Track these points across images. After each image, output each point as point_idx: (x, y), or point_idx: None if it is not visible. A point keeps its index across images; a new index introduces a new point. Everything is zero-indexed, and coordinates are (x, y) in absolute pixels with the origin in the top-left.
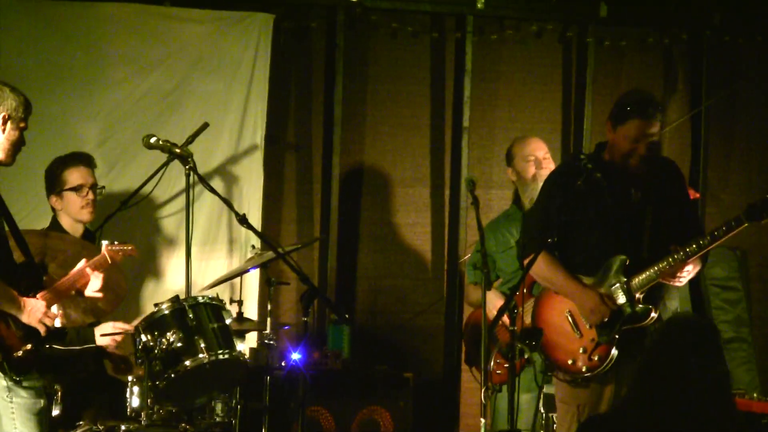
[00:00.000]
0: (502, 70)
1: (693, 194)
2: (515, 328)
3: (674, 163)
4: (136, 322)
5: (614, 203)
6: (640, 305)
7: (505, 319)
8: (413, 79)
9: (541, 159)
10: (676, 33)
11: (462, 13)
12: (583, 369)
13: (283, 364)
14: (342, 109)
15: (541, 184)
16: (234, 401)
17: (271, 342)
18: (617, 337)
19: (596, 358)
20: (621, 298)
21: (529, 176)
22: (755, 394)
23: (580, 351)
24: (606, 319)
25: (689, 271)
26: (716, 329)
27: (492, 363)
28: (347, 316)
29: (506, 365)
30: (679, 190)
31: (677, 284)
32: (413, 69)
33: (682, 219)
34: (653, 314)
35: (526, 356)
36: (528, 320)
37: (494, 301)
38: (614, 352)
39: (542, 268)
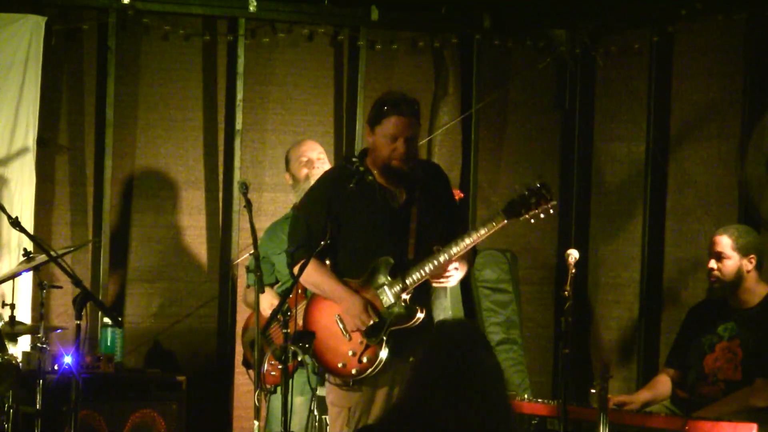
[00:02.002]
0: (274, 73)
1: (458, 194)
2: (288, 330)
3: (438, 166)
4: None
5: (378, 206)
6: (406, 305)
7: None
8: (186, 82)
9: (314, 159)
10: (446, 36)
11: (234, 16)
12: (353, 372)
13: (55, 367)
14: (114, 112)
15: (303, 188)
16: (6, 405)
17: (44, 345)
18: (385, 339)
19: (365, 360)
20: (387, 300)
21: (302, 177)
22: (525, 396)
23: (350, 354)
24: (369, 324)
25: (456, 270)
26: (477, 330)
27: (266, 365)
28: (120, 319)
29: (280, 367)
30: (443, 191)
31: (444, 285)
32: (186, 72)
33: (448, 220)
34: (419, 314)
35: (299, 359)
36: (300, 322)
37: (273, 302)
38: (383, 354)
39: (310, 274)
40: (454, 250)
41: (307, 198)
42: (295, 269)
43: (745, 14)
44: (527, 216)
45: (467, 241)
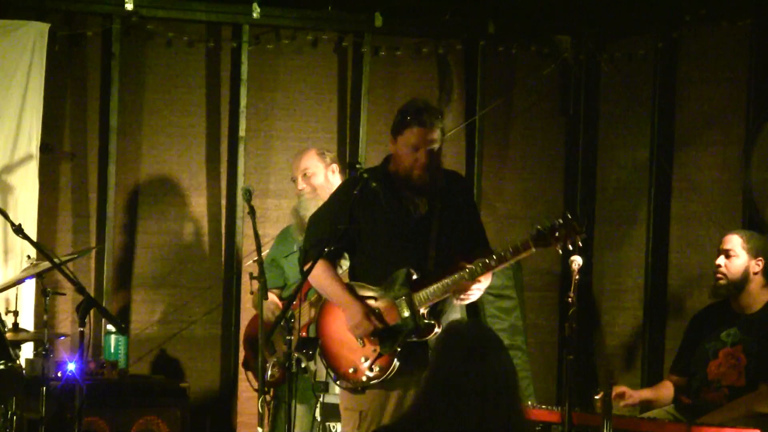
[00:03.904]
0: (279, 79)
1: None
2: (292, 337)
3: (461, 176)
4: None
5: (397, 215)
6: (424, 320)
7: None
8: (190, 89)
9: (297, 178)
10: (451, 42)
11: (238, 23)
12: (363, 378)
13: (59, 374)
14: (118, 118)
15: (304, 198)
16: (9, 412)
17: (48, 353)
18: (399, 349)
19: (377, 369)
20: (405, 312)
21: (298, 190)
22: (530, 402)
23: (362, 360)
24: (370, 332)
25: (478, 289)
26: (490, 331)
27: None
28: (124, 325)
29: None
30: (466, 201)
31: (465, 302)
32: (189, 78)
33: (469, 232)
34: (437, 329)
35: (303, 365)
36: (304, 323)
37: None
38: (396, 363)
39: (318, 276)
40: (479, 269)
41: (330, 200)
42: (305, 267)
43: (750, 20)
44: (556, 247)
45: (494, 263)
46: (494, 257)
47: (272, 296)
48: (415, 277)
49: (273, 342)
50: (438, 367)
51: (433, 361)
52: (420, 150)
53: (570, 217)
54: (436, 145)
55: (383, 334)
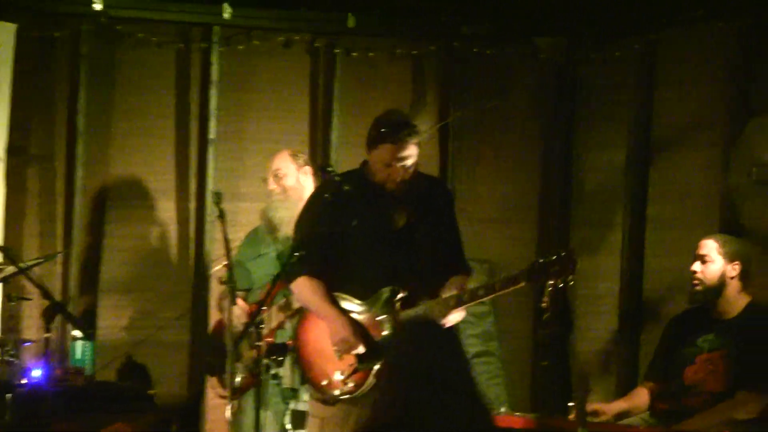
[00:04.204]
0: (250, 81)
1: None
2: (261, 343)
3: (444, 184)
4: None
5: (378, 222)
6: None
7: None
8: (159, 90)
9: (269, 179)
10: (425, 44)
11: (209, 23)
12: (336, 392)
13: (24, 381)
14: (86, 120)
15: (274, 199)
16: None
17: (13, 359)
18: (377, 367)
19: (351, 384)
20: (387, 330)
21: (268, 190)
22: (503, 409)
23: (337, 373)
24: (354, 351)
25: (460, 314)
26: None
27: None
28: (91, 331)
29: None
30: (446, 210)
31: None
32: (159, 80)
33: (448, 245)
34: None
35: (272, 372)
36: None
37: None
38: (371, 380)
39: (303, 292)
40: (466, 299)
41: (304, 214)
42: (292, 286)
43: (731, 22)
44: (547, 284)
45: (480, 295)
46: (483, 288)
47: (239, 301)
48: (400, 295)
49: (239, 348)
50: (395, 368)
51: (390, 364)
52: (392, 167)
53: (563, 254)
54: (409, 162)
55: (363, 351)
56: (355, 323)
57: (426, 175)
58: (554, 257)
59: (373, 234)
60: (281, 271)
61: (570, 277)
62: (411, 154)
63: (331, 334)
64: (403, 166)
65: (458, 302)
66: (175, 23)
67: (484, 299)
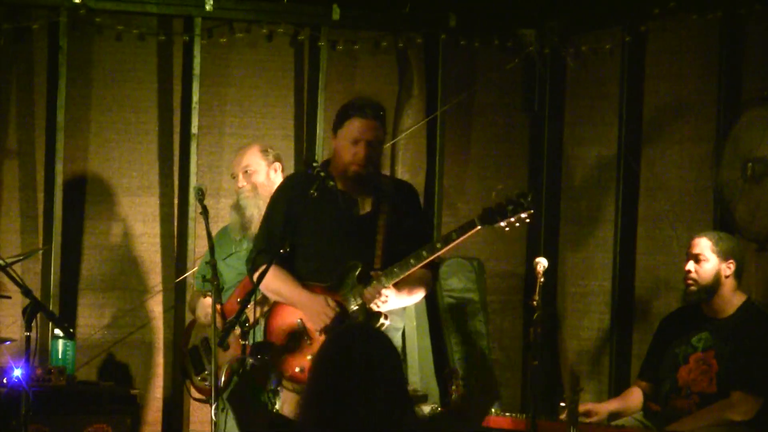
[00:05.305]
0: (232, 74)
1: None
2: (246, 342)
3: (411, 186)
4: None
5: (342, 213)
6: (370, 312)
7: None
8: (140, 84)
9: (239, 174)
10: (411, 36)
11: (190, 15)
12: None
13: (4, 381)
14: (65, 115)
15: (243, 196)
16: None
17: None
18: None
19: None
20: (353, 305)
21: (237, 187)
22: (494, 410)
23: (309, 358)
24: (333, 316)
25: (386, 296)
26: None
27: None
28: (71, 330)
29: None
30: (413, 211)
31: (379, 309)
32: (140, 73)
33: (414, 239)
34: (383, 320)
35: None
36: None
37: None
38: None
39: (269, 281)
40: (425, 255)
41: (268, 203)
42: (255, 275)
43: (720, 13)
44: (502, 224)
45: (438, 247)
46: (441, 240)
47: (209, 300)
48: (360, 270)
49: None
50: (321, 378)
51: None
52: (359, 143)
53: (518, 193)
54: (375, 140)
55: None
56: (326, 297)
57: (392, 177)
58: (504, 200)
59: (339, 224)
60: (247, 264)
61: (526, 214)
62: (377, 134)
63: (307, 313)
64: (370, 146)
65: (418, 259)
66: (156, 15)
67: (444, 250)
